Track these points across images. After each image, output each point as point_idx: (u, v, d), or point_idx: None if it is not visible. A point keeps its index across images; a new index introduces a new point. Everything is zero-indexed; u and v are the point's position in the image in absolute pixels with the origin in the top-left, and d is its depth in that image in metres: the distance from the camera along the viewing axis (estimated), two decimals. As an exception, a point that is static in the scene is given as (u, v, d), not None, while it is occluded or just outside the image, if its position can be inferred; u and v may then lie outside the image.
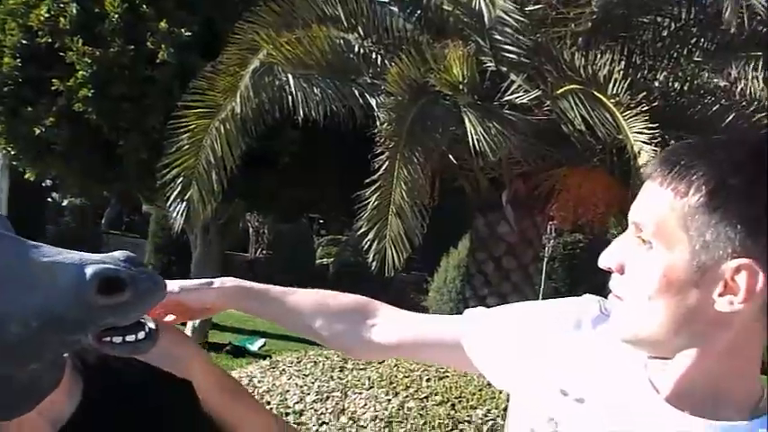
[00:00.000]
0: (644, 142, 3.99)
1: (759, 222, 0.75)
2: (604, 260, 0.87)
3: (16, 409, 0.86)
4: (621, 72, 4.67)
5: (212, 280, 1.10)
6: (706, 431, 0.81)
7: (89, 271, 0.80)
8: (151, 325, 0.89)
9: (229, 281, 1.11)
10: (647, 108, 4.15)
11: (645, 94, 4.47)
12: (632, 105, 4.13)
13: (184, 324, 4.15)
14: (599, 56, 4.84)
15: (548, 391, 0.94)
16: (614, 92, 4.25)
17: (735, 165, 0.78)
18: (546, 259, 14.97)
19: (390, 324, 1.11)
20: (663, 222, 0.80)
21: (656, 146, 4.10)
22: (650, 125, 4.03)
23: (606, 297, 0.93)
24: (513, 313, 1.05)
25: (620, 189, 5.26)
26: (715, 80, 5.80)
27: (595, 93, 4.36)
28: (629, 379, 0.89)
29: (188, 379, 1.01)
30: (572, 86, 4.62)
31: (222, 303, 1.11)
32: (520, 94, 4.84)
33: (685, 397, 0.84)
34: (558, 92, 4.72)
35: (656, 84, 5.47)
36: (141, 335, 0.86)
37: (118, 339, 0.85)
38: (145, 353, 0.89)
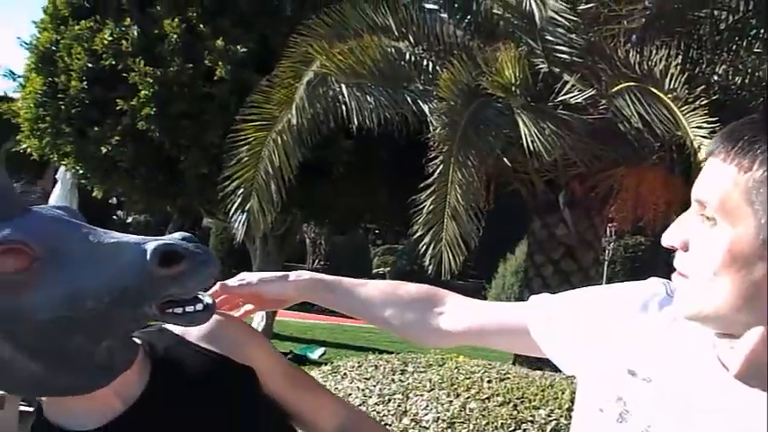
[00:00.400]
0: (703, 137, 3.91)
1: None
2: (668, 238, 0.86)
3: (93, 384, 0.95)
4: (678, 67, 4.58)
5: (288, 273, 1.16)
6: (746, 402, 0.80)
7: (150, 246, 0.90)
8: (208, 300, 0.96)
9: (305, 274, 1.18)
10: (705, 102, 4.06)
11: (704, 87, 4.37)
12: (690, 100, 4.05)
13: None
14: (654, 52, 4.76)
15: (615, 371, 0.95)
16: (671, 87, 4.18)
17: None
18: (606, 262, 14.69)
19: (458, 311, 1.14)
20: (727, 197, 0.80)
21: (717, 140, 4.01)
22: (710, 119, 3.94)
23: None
24: (580, 297, 1.06)
25: (680, 187, 5.15)
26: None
27: (652, 89, 4.29)
28: (697, 358, 0.89)
29: (251, 365, 1.07)
30: (627, 84, 4.56)
31: (298, 295, 1.16)
32: (574, 94, 4.80)
33: (755, 373, 0.83)
34: (614, 90, 4.67)
35: (716, 78, 5.34)
36: (199, 306, 0.94)
37: (179, 310, 0.93)
38: (202, 323, 0.96)
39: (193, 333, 1.05)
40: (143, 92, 8.03)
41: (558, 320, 1.04)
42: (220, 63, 7.85)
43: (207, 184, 7.53)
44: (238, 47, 7.85)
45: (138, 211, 17.07)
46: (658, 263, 16.63)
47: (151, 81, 7.99)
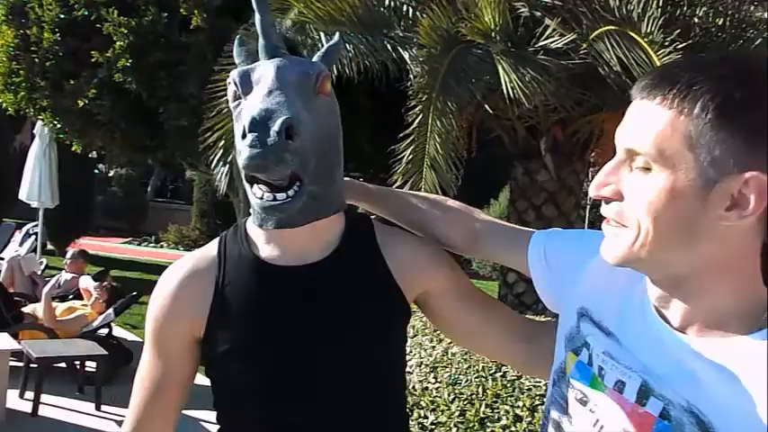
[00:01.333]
0: (682, 81, 3.90)
1: (757, 136, 0.76)
2: (597, 190, 0.86)
3: (300, 220, 1.16)
4: (659, 10, 4.54)
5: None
6: (716, 349, 0.82)
7: (248, 116, 1.08)
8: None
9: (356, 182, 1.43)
10: (684, 45, 4.04)
11: (680, 31, 4.34)
12: (666, 43, 4.03)
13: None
14: (635, -6, 4.70)
15: (576, 312, 1.01)
16: (647, 30, 4.15)
17: (739, 78, 0.78)
18: (589, 206, 14.82)
19: (478, 224, 1.31)
20: (665, 143, 0.79)
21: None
22: (687, 63, 3.93)
23: None
24: (569, 239, 1.16)
25: (660, 131, 5.16)
26: (757, 13, 5.60)
27: (630, 32, 4.26)
28: (638, 308, 0.92)
29: (424, 285, 1.32)
30: (607, 27, 4.52)
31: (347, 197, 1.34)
32: (555, 39, 4.76)
33: (691, 320, 0.85)
34: (594, 34, 4.63)
35: (696, 20, 5.31)
36: (264, 197, 1.13)
37: (258, 192, 1.13)
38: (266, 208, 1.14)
39: (387, 234, 1.30)
40: (118, 43, 7.88)
41: (546, 260, 1.13)
42: (196, 11, 7.70)
43: (187, 137, 7.48)
44: (215, -6, 7.70)
45: (120, 165, 16.89)
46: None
47: (125, 31, 7.83)
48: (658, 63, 3.94)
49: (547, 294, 1.15)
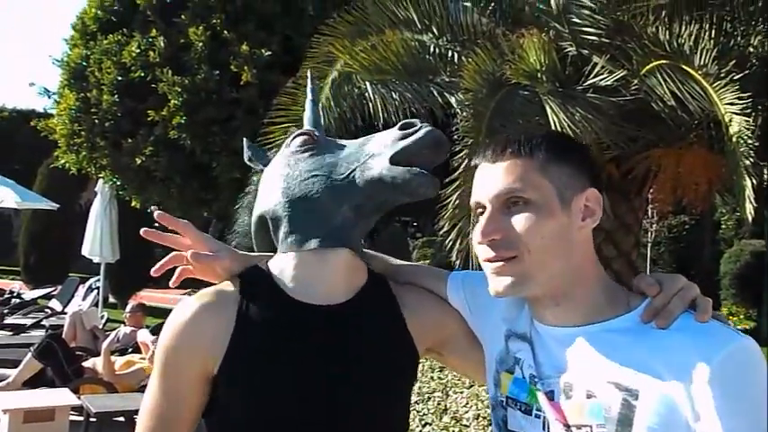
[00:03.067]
0: (735, 113, 3.75)
1: (585, 165, 1.09)
2: (484, 237, 1.06)
3: (324, 240, 1.22)
4: (712, 41, 4.41)
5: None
6: (600, 331, 1.03)
7: (399, 124, 1.26)
8: (432, 178, 1.22)
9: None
10: (740, 76, 3.90)
11: (736, 61, 4.20)
12: (722, 75, 3.89)
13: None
14: (684, 27, 4.59)
15: (503, 336, 1.19)
16: (702, 63, 4.02)
17: (554, 133, 1.32)
18: (650, 244, 14.38)
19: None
20: (527, 178, 1.04)
21: (754, 114, 3.86)
22: (742, 94, 3.78)
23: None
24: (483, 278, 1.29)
25: (720, 164, 4.97)
26: (818, 39, 5.38)
27: (683, 66, 4.14)
28: (526, 315, 1.14)
29: (433, 331, 1.36)
30: (658, 62, 4.41)
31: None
32: (604, 76, 4.66)
33: (567, 316, 1.06)
34: (644, 69, 4.52)
35: (751, 50, 5.14)
36: (422, 172, 1.20)
37: (406, 167, 1.20)
38: (421, 183, 1.20)
39: (400, 288, 1.34)
40: (172, 101, 8.14)
41: (470, 305, 1.28)
42: (246, 67, 7.92)
43: (240, 189, 7.61)
44: (263, 50, 7.89)
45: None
46: (704, 241, 16.23)
47: (179, 90, 8.10)
48: (715, 96, 3.81)
49: (471, 322, 1.30)
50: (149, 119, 8.31)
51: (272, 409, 1.17)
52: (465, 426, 3.75)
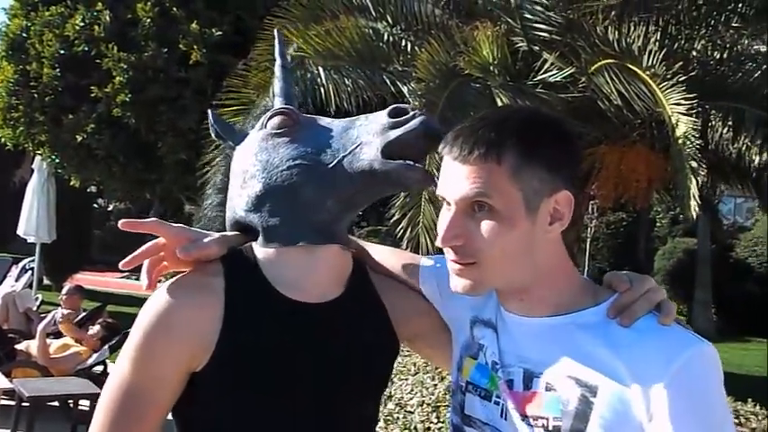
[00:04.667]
0: (682, 113, 3.89)
1: (560, 164, 1.02)
2: (447, 242, 1.04)
3: (308, 237, 1.13)
4: (657, 43, 4.55)
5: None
6: (565, 323, 1.02)
7: (387, 109, 1.13)
8: (428, 173, 1.13)
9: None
10: (684, 78, 4.03)
11: (682, 64, 4.34)
12: (668, 76, 4.02)
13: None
14: (633, 28, 4.72)
15: (469, 322, 1.18)
16: (649, 64, 4.14)
17: (532, 127, 1.04)
18: (589, 239, 14.77)
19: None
20: (495, 185, 0.99)
21: (696, 116, 4.00)
22: (688, 95, 3.92)
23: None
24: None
25: (662, 163, 5.14)
26: (755, 46, 5.62)
27: (630, 66, 4.26)
28: (494, 302, 1.13)
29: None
30: (606, 61, 4.52)
31: None
32: (553, 72, 4.76)
33: (533, 306, 1.05)
34: (593, 68, 4.63)
35: (694, 53, 5.32)
36: (416, 166, 1.11)
37: (399, 160, 1.10)
38: (414, 178, 1.12)
39: (379, 279, 1.27)
40: (117, 78, 7.91)
41: (442, 291, 1.23)
42: (196, 47, 7.75)
43: (185, 171, 7.47)
44: (213, 30, 7.75)
45: (119, 199, 16.89)
46: (639, 238, 16.76)
47: (125, 67, 7.87)
48: (661, 95, 3.93)
49: (443, 312, 1.27)
50: (92, 95, 8.06)
51: (261, 412, 1.11)
52: (409, 412, 3.80)
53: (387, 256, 1.34)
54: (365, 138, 1.13)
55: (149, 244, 1.17)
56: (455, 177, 1.01)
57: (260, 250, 1.16)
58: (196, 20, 7.74)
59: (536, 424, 1.01)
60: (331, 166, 1.13)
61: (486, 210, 1.00)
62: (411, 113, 1.12)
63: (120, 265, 1.17)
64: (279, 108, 1.22)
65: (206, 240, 1.16)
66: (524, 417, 1.02)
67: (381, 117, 1.14)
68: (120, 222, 1.18)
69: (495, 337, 1.10)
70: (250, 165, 1.18)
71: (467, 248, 1.02)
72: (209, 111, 1.34)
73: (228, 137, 1.30)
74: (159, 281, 1.20)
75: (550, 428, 1.00)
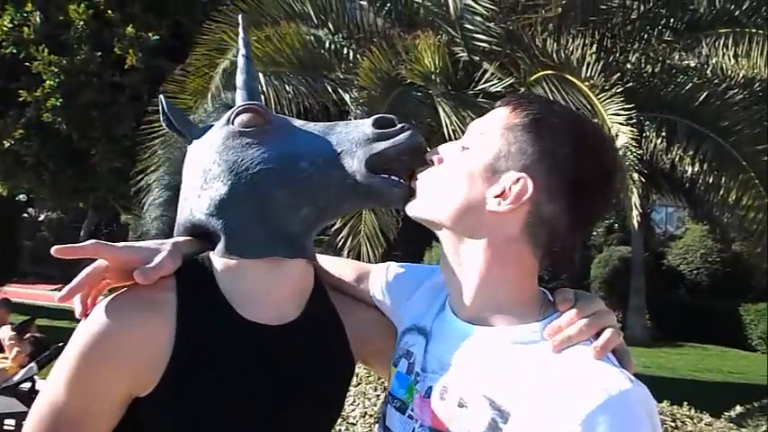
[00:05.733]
0: (621, 124, 3.97)
1: (549, 157, 0.93)
2: (429, 155, 1.04)
3: (277, 249, 1.04)
4: (594, 56, 4.65)
5: None
6: (499, 336, 0.94)
7: (371, 118, 1.07)
8: (411, 190, 1.06)
9: None
10: (621, 90, 4.13)
11: (618, 76, 4.45)
12: (606, 88, 4.11)
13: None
14: (570, 40, 4.82)
15: (404, 329, 1.12)
16: (588, 75, 4.23)
17: (564, 116, 0.99)
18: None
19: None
20: (488, 127, 0.98)
21: (632, 127, 4.09)
22: (626, 106, 4.01)
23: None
24: (405, 269, 1.23)
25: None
26: (686, 60, 5.81)
27: (569, 77, 4.34)
28: (441, 307, 1.06)
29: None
30: (545, 72, 4.60)
31: None
32: (494, 83, 4.81)
33: (473, 309, 0.98)
34: (532, 78, 4.70)
35: (629, 66, 5.47)
36: (401, 183, 1.05)
37: (384, 175, 1.03)
38: (399, 196, 1.05)
39: (336, 297, 1.19)
40: (48, 82, 7.62)
41: (389, 291, 1.19)
42: (131, 51, 7.53)
43: (120, 179, 7.23)
44: (150, 34, 7.55)
45: (50, 209, 16.30)
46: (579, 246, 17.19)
47: (56, 70, 7.59)
48: (600, 107, 4.01)
49: (390, 316, 1.21)
50: (21, 99, 7.73)
51: None
52: (352, 424, 3.73)
53: (340, 267, 1.25)
54: (347, 146, 1.05)
55: (90, 270, 1.02)
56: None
57: (218, 261, 1.05)
58: (132, 23, 7.53)
59: None
60: (308, 173, 1.04)
61: (466, 148, 0.99)
62: (399, 126, 1.05)
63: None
64: (248, 104, 1.11)
65: (160, 258, 1.03)
66: (432, 430, 0.95)
67: (365, 126, 1.06)
68: (54, 250, 1.02)
69: (424, 344, 1.03)
70: (213, 163, 1.07)
71: (433, 169, 1.02)
72: (161, 97, 1.20)
73: (184, 129, 1.16)
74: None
75: None
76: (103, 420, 1.01)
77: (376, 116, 1.07)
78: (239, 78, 1.19)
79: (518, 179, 0.92)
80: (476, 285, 0.98)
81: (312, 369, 1.09)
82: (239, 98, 1.17)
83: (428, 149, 1.05)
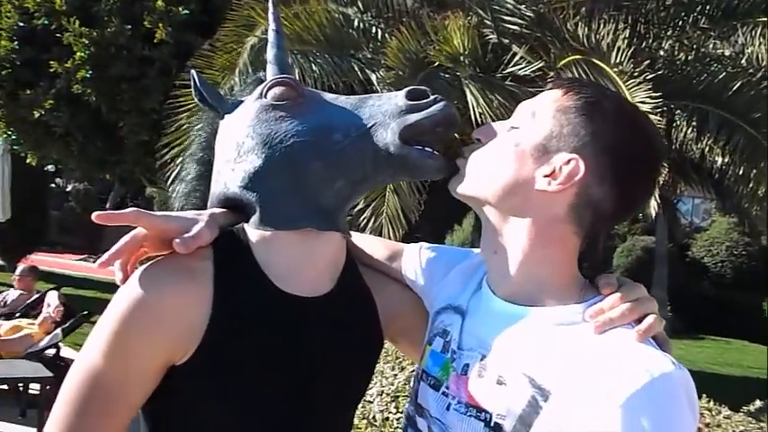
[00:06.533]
0: (648, 111, 3.92)
1: (600, 140, 0.94)
2: (475, 134, 1.03)
3: (312, 221, 1.04)
4: (625, 41, 4.58)
5: None
6: (540, 316, 0.95)
7: (403, 90, 1.06)
8: (447, 161, 1.06)
9: None
10: (651, 77, 4.06)
11: (649, 62, 4.38)
12: (635, 74, 4.04)
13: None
14: (602, 25, 4.75)
15: (438, 308, 1.12)
16: (617, 61, 4.16)
17: (619, 102, 1.00)
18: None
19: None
20: (539, 108, 0.98)
21: (661, 115, 4.03)
22: (653, 94, 3.95)
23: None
24: (440, 249, 1.23)
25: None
26: (720, 49, 5.70)
27: (598, 62, 4.28)
28: (478, 284, 1.07)
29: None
30: (575, 57, 4.54)
31: None
32: (522, 66, 4.76)
33: (513, 289, 0.99)
34: (561, 62, 4.64)
35: (661, 53, 5.37)
36: (435, 154, 1.04)
37: (418, 147, 1.03)
38: (435, 168, 1.05)
39: (367, 273, 1.19)
40: (78, 54, 7.69)
41: (418, 265, 1.20)
42: (161, 25, 7.56)
43: (147, 152, 7.29)
44: (180, 8, 7.57)
45: (77, 179, 16.51)
46: (599, 235, 17.03)
47: (87, 42, 7.65)
48: (628, 93, 3.95)
49: (426, 304, 1.20)
50: (52, 70, 7.81)
51: (250, 413, 1.03)
52: (368, 402, 3.77)
53: (372, 245, 1.25)
54: (380, 118, 1.04)
55: (128, 237, 1.03)
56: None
57: (254, 232, 1.06)
58: (162, -3, 7.57)
59: (478, 416, 0.94)
60: (341, 145, 1.03)
61: (516, 126, 1.00)
62: (432, 97, 1.04)
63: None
64: (281, 78, 1.11)
65: (198, 228, 1.04)
66: (468, 406, 0.96)
67: (398, 98, 1.05)
68: (94, 215, 1.02)
69: (460, 323, 1.04)
70: (246, 137, 1.07)
71: (478, 147, 1.02)
72: (192, 72, 1.19)
73: (216, 103, 1.17)
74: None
75: (492, 425, 0.93)
76: (140, 388, 1.02)
77: (409, 88, 1.06)
78: (270, 52, 1.18)
79: (569, 160, 0.93)
80: (518, 264, 0.98)
81: (344, 342, 1.10)
82: (270, 72, 1.16)
83: (458, 123, 1.05)
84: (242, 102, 1.14)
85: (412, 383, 1.11)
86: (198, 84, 1.16)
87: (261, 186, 1.05)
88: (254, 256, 1.06)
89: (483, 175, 1.00)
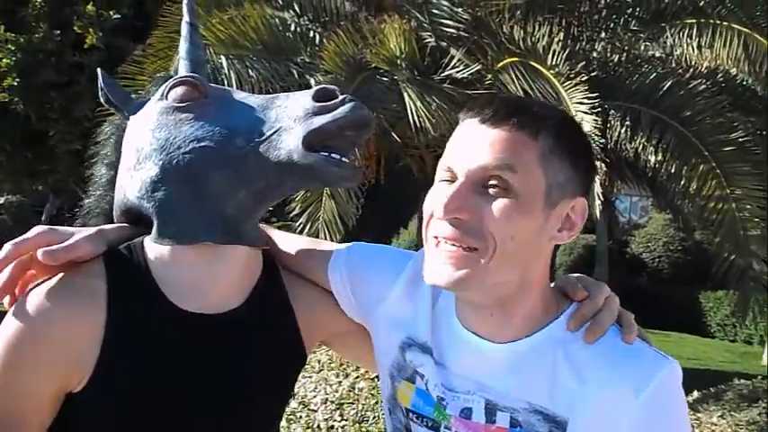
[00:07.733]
0: (584, 112, 3.98)
1: (587, 172, 0.92)
2: (453, 213, 0.87)
3: (214, 235, 0.96)
4: (560, 43, 4.65)
5: None
6: (531, 345, 0.91)
7: (311, 90, 0.97)
8: (355, 169, 0.98)
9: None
10: (586, 78, 4.14)
11: (583, 64, 4.46)
12: (571, 76, 4.11)
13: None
14: (537, 28, 4.81)
15: (398, 346, 1.02)
16: (553, 63, 4.22)
17: (573, 123, 0.97)
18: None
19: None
20: (520, 159, 0.86)
21: (596, 115, 4.10)
22: (590, 95, 4.01)
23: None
24: (372, 258, 1.12)
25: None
26: (651, 50, 5.85)
27: (535, 64, 4.33)
28: (448, 322, 0.98)
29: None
30: (512, 59, 4.58)
31: None
32: (460, 69, 4.79)
33: (507, 329, 0.93)
34: (499, 65, 4.69)
35: (595, 54, 5.48)
36: (345, 160, 0.95)
37: (324, 153, 0.93)
38: (341, 175, 0.95)
39: (293, 284, 1.11)
40: (4, 60, 7.39)
41: (352, 284, 1.08)
42: (91, 30, 7.33)
43: (81, 161, 7.07)
44: (111, 12, 7.36)
45: (9, 192, 15.89)
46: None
47: (13, 48, 7.36)
48: (564, 94, 4.01)
49: (352, 313, 1.12)
50: (-25, 78, 7.50)
51: None
52: (312, 410, 3.71)
53: (297, 244, 1.16)
54: (285, 122, 0.95)
55: (9, 268, 0.96)
56: (477, 143, 0.86)
57: (151, 247, 0.99)
58: (92, 1, 7.33)
59: None
60: (243, 152, 0.95)
61: (501, 189, 0.85)
62: (340, 98, 0.94)
63: None
64: (183, 76, 1.03)
65: (73, 240, 0.96)
66: None
67: (305, 99, 0.96)
68: None
69: (434, 369, 0.97)
70: (146, 142, 0.99)
71: (472, 226, 0.85)
72: (99, 70, 1.12)
73: (121, 105, 1.09)
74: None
75: None
76: (37, 418, 0.95)
77: (316, 87, 0.98)
78: (182, 47, 1.10)
79: (573, 206, 0.91)
80: (528, 309, 0.93)
81: (255, 358, 1.04)
82: (182, 69, 1.09)
83: (371, 124, 0.97)
84: (147, 102, 1.07)
85: (391, 412, 1.04)
86: (102, 83, 1.09)
87: (158, 196, 0.97)
88: (150, 273, 0.99)
89: (503, 257, 0.88)
